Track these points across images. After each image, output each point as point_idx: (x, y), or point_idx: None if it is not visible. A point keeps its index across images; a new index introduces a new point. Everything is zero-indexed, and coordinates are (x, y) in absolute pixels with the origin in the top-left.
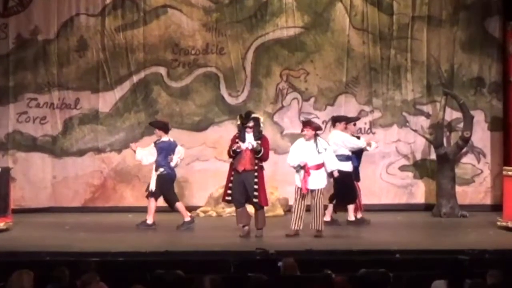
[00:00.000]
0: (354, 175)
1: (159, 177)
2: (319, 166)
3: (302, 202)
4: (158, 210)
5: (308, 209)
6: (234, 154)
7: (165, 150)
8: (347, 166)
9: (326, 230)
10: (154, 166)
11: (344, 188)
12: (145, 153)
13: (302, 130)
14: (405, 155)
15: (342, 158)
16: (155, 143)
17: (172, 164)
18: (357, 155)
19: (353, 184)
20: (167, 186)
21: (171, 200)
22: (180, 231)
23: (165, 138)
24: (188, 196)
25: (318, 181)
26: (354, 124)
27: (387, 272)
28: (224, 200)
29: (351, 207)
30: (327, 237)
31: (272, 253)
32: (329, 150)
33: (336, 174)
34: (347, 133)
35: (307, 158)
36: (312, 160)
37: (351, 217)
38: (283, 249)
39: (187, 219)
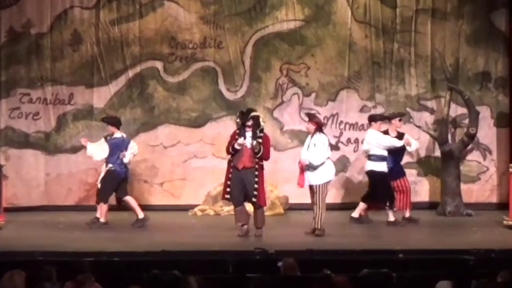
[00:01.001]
0: (395, 173)
1: (108, 172)
2: None
3: (311, 198)
4: (153, 208)
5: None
6: (234, 152)
7: (117, 147)
8: (381, 167)
9: (336, 228)
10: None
11: (378, 188)
12: (96, 148)
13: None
14: (408, 152)
15: (375, 158)
16: (106, 138)
17: (126, 160)
18: (396, 154)
19: (387, 185)
20: (111, 182)
21: (105, 196)
22: (91, 228)
23: (117, 134)
24: (185, 194)
25: (314, 177)
26: (399, 120)
27: (390, 272)
28: (223, 198)
29: (362, 204)
30: (328, 236)
31: (272, 253)
32: (317, 147)
33: (306, 162)
34: (392, 129)
35: (302, 153)
36: (304, 154)
37: (356, 213)
38: (283, 248)
39: (102, 220)
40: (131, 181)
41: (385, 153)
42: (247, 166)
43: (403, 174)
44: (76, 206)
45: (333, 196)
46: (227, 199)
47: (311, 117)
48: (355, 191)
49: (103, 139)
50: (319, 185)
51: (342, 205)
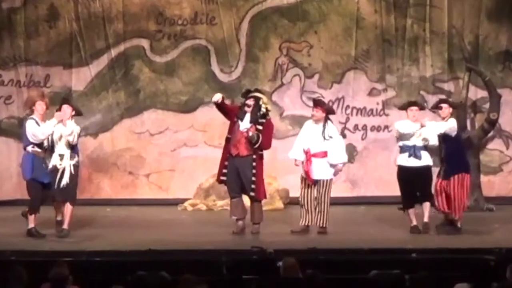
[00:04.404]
0: (443, 171)
1: (76, 167)
2: (325, 154)
3: (309, 193)
4: (139, 203)
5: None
6: (218, 108)
7: None
8: (399, 159)
9: (341, 225)
10: (61, 156)
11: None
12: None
13: (312, 110)
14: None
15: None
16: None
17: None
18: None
19: (399, 180)
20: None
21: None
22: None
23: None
24: (174, 187)
25: (324, 171)
26: (440, 108)
27: (402, 274)
28: (218, 180)
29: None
30: (333, 234)
31: (271, 252)
32: (335, 139)
33: (339, 168)
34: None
35: (310, 143)
36: (315, 146)
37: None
38: (283, 247)
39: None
40: (114, 172)
41: (406, 143)
42: (243, 154)
43: (450, 174)
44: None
45: (338, 189)
46: (222, 182)
47: (319, 103)
48: (363, 184)
49: (77, 132)
50: (327, 181)
51: (348, 199)
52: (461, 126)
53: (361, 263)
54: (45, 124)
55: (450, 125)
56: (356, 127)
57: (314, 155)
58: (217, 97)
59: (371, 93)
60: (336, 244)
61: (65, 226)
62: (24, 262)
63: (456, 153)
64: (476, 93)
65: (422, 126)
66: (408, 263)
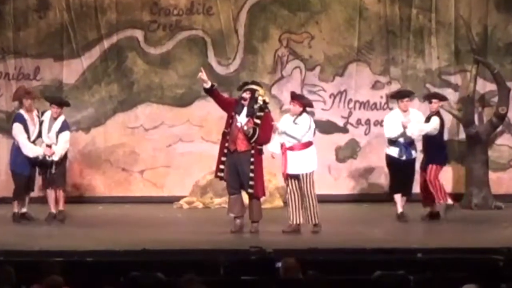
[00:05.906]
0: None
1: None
2: (302, 146)
3: (294, 190)
4: (133, 200)
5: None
6: (211, 95)
7: None
8: (389, 151)
9: (343, 224)
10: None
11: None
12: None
13: (289, 104)
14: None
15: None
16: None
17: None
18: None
19: (390, 172)
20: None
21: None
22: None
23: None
24: (169, 184)
25: (302, 164)
26: (430, 102)
27: (407, 275)
28: (216, 176)
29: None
30: (335, 233)
31: (270, 252)
32: (299, 125)
33: (276, 127)
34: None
35: (285, 136)
36: (289, 139)
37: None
38: (282, 247)
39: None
40: (107, 168)
41: (394, 140)
42: (241, 149)
43: (427, 163)
44: (43, 198)
45: (340, 186)
46: (220, 178)
47: (297, 97)
48: (366, 181)
49: (68, 134)
50: (307, 174)
51: (350, 197)
52: (469, 121)
53: (364, 264)
54: (36, 148)
55: (432, 126)
56: (359, 121)
57: (290, 149)
58: (199, 74)
59: (375, 86)
60: (338, 244)
61: (61, 207)
62: (14, 262)
63: (436, 146)
64: (484, 86)
65: (404, 127)
66: (413, 263)
